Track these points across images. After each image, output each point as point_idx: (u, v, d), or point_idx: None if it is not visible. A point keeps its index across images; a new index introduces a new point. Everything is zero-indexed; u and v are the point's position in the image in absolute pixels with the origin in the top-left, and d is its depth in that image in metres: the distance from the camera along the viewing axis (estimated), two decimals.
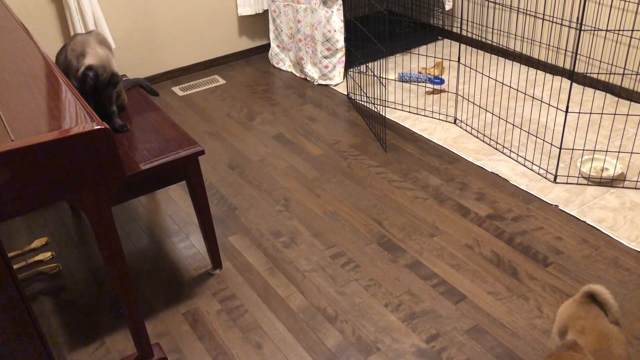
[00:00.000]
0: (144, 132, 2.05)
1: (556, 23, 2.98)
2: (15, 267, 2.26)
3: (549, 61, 3.47)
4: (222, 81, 3.81)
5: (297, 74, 3.84)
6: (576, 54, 2.29)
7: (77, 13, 3.16)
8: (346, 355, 1.86)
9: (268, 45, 4.13)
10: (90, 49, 1.91)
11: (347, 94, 3.52)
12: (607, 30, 3.07)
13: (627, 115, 2.41)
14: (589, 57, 3.23)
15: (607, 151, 2.56)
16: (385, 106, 3.33)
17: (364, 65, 3.62)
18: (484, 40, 3.83)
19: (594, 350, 1.42)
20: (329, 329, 1.97)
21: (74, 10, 3.15)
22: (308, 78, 3.75)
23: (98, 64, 1.88)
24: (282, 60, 3.92)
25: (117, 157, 1.30)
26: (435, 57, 3.13)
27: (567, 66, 3.37)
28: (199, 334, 1.98)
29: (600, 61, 3.17)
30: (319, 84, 3.69)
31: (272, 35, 3.90)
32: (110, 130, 1.30)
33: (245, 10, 3.86)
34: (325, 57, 3.57)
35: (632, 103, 3.05)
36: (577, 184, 2.56)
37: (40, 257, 2.27)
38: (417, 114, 3.24)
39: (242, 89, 3.70)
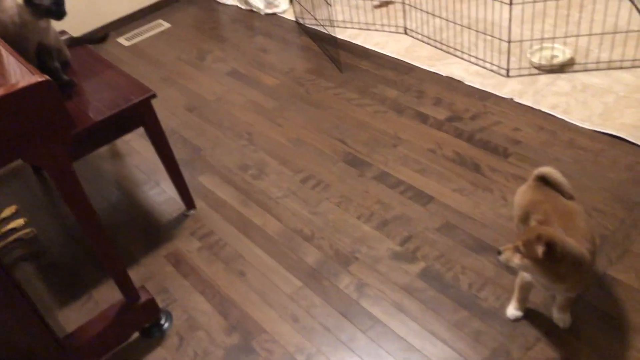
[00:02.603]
0: (92, 84, 2.02)
1: None
2: None
3: None
4: (167, 25, 3.72)
5: (243, 7, 3.75)
6: None
7: None
8: (327, 268, 1.94)
9: None
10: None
11: (296, 20, 3.47)
12: None
13: None
14: None
15: (554, 38, 2.59)
16: (335, 26, 3.30)
17: None
18: None
19: (561, 228, 1.51)
20: (307, 247, 2.03)
21: None
22: (254, 9, 3.67)
23: None
24: None
25: (63, 106, 1.29)
26: None
27: None
28: (183, 272, 2.04)
29: None
30: (266, 14, 3.62)
31: None
32: (52, 81, 1.28)
33: None
34: None
35: None
36: (529, 75, 2.61)
37: (13, 225, 2.27)
38: (367, 29, 3.22)
39: (188, 30, 3.62)
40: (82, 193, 1.51)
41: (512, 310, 1.68)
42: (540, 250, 1.35)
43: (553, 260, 1.37)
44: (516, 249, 1.42)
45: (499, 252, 1.46)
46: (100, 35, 2.31)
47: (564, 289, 1.49)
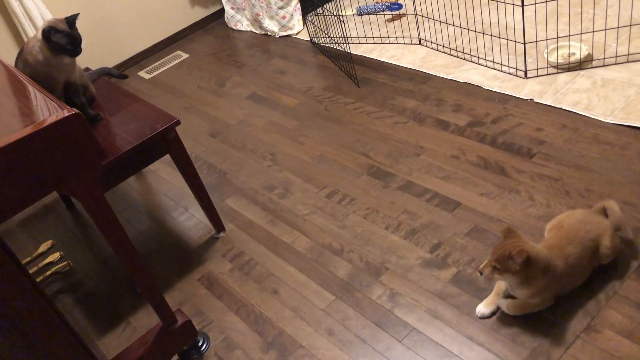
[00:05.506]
0: (118, 117, 2.08)
1: None
2: None
3: None
4: (185, 55, 3.80)
5: (257, 31, 3.82)
6: None
7: (25, 18, 3.14)
8: (359, 281, 1.95)
9: (222, 10, 4.10)
10: None
11: (310, 40, 3.52)
12: None
13: None
14: None
15: (569, 36, 2.59)
16: (349, 43, 3.34)
17: (321, 7, 3.60)
18: None
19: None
20: (337, 261, 2.04)
21: (21, 15, 3.13)
22: (269, 33, 3.74)
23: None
24: (240, 21, 3.90)
25: (93, 138, 1.34)
26: None
27: None
28: (217, 294, 2.06)
29: None
30: (280, 37, 3.68)
31: None
32: (82, 114, 1.33)
33: None
34: (281, 8, 3.56)
35: None
36: (547, 74, 2.60)
37: (49, 259, 2.33)
38: (382, 43, 3.25)
39: (206, 59, 3.69)
40: (116, 220, 1.55)
41: (482, 309, 1.73)
42: (517, 264, 1.51)
43: (527, 268, 1.53)
44: (493, 268, 1.56)
45: (481, 273, 1.60)
46: (121, 73, 2.41)
47: (527, 294, 1.60)
